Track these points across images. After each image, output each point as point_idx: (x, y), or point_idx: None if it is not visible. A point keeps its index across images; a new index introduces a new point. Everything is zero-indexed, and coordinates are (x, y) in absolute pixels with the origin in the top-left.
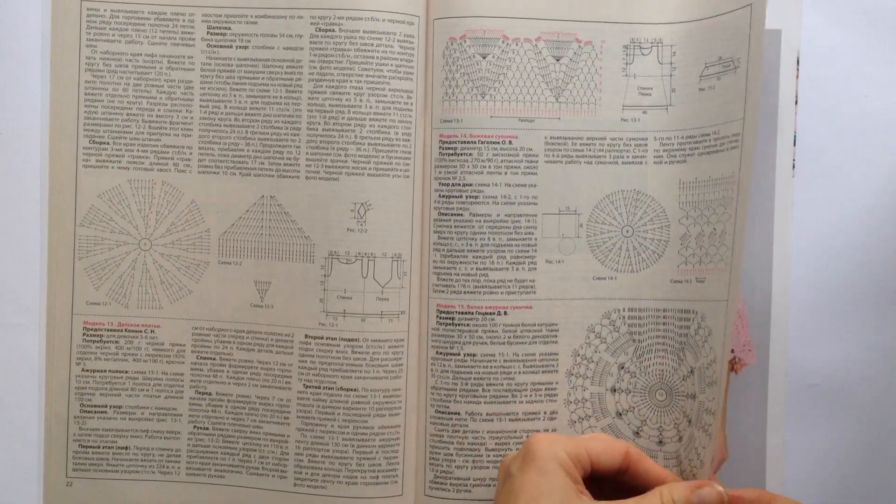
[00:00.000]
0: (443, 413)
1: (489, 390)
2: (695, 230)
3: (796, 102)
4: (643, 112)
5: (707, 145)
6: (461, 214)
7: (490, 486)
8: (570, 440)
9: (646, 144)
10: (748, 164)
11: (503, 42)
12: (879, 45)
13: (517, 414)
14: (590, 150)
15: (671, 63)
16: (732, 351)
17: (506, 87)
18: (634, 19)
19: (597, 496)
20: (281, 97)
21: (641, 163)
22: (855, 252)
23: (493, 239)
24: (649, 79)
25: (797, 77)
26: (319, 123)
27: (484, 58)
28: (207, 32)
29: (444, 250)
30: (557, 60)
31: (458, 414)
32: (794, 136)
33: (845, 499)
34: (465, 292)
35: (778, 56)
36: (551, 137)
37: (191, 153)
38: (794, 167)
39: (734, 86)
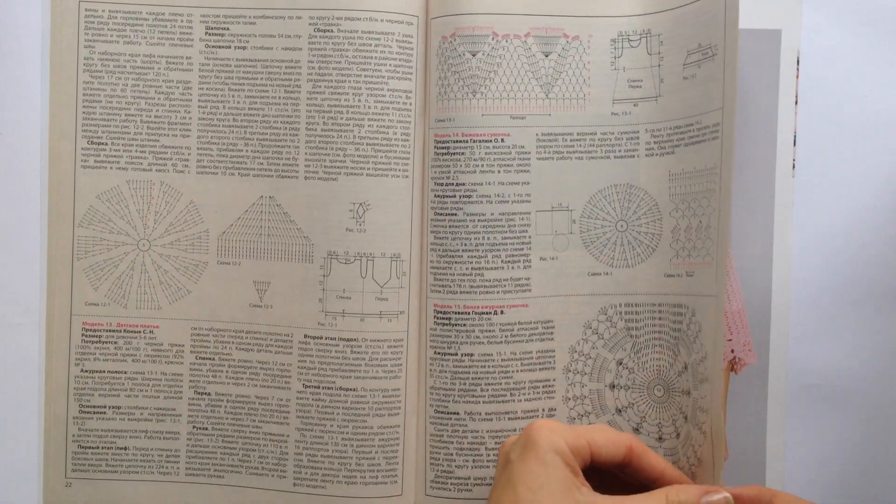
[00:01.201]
0: (442, 413)
1: (487, 389)
2: (683, 223)
3: (796, 102)
4: (634, 105)
5: (691, 135)
6: (455, 214)
7: (491, 484)
8: (571, 430)
9: (637, 137)
10: (729, 154)
11: (492, 39)
12: (879, 45)
13: (516, 412)
14: (580, 145)
15: (659, 53)
16: (732, 351)
17: (496, 85)
18: (620, 12)
19: (597, 487)
20: (279, 97)
21: (633, 156)
22: (855, 252)
23: (488, 238)
24: (639, 70)
25: (797, 77)
26: (318, 124)
27: (474, 55)
28: (206, 33)
29: (439, 250)
30: (546, 56)
31: (458, 414)
32: (794, 136)
33: (845, 499)
34: (461, 292)
35: (778, 56)
36: (542, 134)
37: (189, 153)
38: (794, 167)
39: (713, 74)
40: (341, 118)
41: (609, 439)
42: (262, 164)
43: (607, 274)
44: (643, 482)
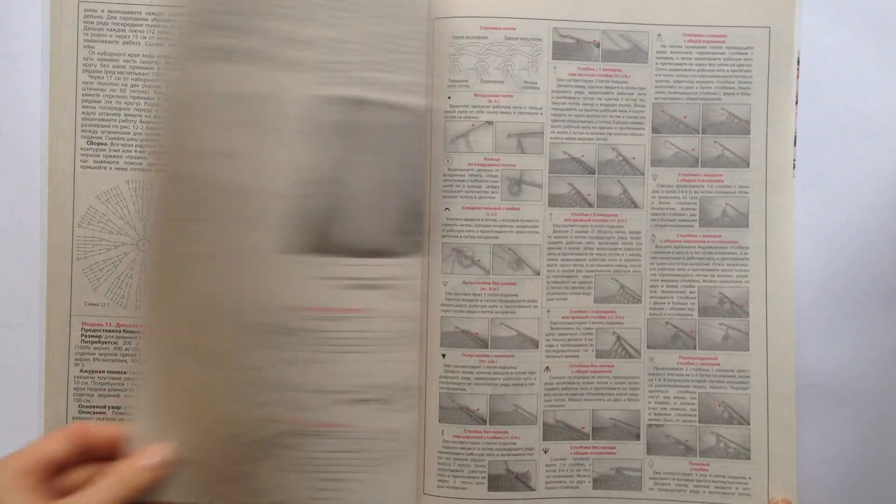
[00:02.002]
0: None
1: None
2: None
3: (796, 102)
4: None
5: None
6: None
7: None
8: (20, 452)
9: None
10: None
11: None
12: (879, 45)
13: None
14: None
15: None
16: None
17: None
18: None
19: None
20: None
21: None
22: (855, 252)
23: None
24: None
25: (797, 77)
26: None
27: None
28: None
29: None
30: None
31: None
32: (794, 136)
33: (849, 498)
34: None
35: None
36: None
37: None
38: (794, 167)
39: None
40: None
41: (53, 438)
42: None
43: None
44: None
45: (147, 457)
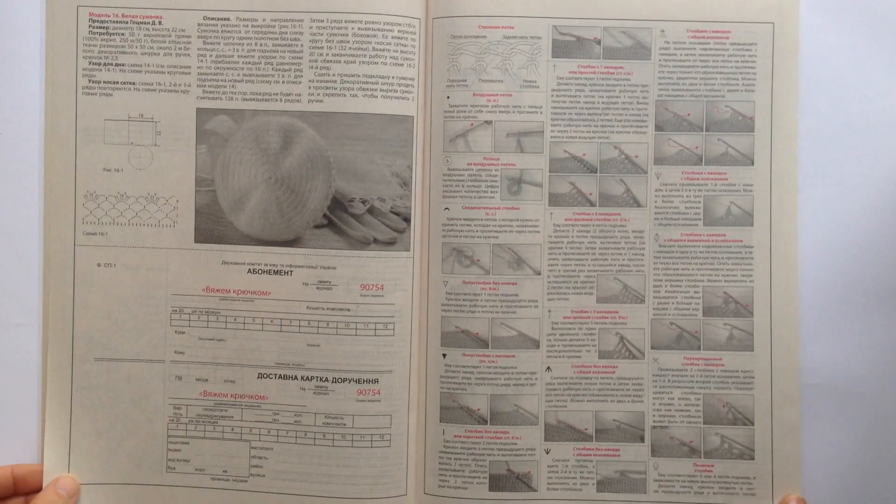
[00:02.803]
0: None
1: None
2: None
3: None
4: None
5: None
6: None
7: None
8: None
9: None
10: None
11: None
12: (879, 45)
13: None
14: None
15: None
16: None
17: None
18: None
19: None
20: None
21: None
22: (855, 252)
23: None
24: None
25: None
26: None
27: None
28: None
29: None
30: None
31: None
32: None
33: (850, 498)
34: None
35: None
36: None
37: None
38: None
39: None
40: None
41: None
42: None
43: None
44: None
45: (61, 486)
